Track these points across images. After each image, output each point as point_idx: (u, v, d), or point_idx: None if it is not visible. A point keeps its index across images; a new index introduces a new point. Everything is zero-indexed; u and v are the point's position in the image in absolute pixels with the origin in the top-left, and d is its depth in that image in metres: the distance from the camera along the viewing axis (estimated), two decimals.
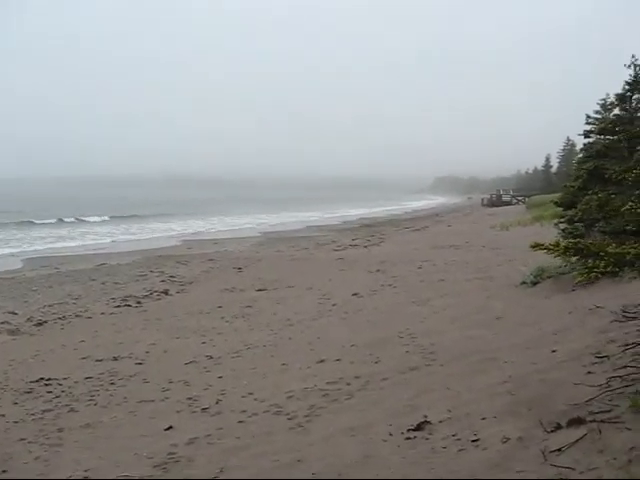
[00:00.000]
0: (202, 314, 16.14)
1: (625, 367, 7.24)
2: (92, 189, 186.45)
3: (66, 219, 65.87)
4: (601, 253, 6.09)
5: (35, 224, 58.99)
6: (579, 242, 6.35)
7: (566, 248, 6.22)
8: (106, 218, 69.23)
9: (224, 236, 44.87)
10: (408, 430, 6.93)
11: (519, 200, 78.27)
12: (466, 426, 6.73)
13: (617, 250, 6.08)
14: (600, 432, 5.71)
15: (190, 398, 9.40)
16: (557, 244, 6.39)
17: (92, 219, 67.93)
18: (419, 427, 6.94)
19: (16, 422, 8.72)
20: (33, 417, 8.92)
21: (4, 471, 7.04)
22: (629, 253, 6.01)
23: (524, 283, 15.26)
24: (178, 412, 8.87)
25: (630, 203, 6.35)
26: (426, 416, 7.19)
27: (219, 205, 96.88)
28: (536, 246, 6.46)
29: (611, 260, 5.99)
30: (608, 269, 5.97)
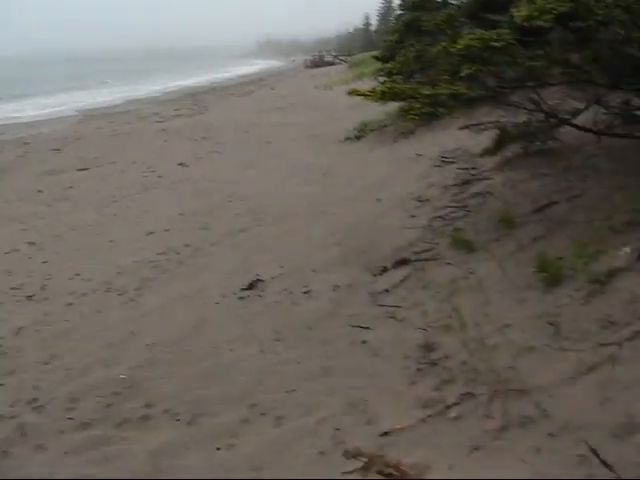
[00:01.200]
0: (21, 201, 15.02)
1: (445, 207, 7.54)
2: None
3: None
4: (416, 95, 6.10)
5: None
6: (394, 86, 6.31)
7: (383, 93, 6.16)
8: None
9: (38, 118, 41.86)
10: (241, 290, 6.92)
11: (341, 60, 78.32)
12: (298, 280, 6.80)
13: (431, 92, 6.11)
14: (424, 270, 5.94)
15: (13, 288, 8.79)
16: (373, 89, 6.32)
17: None
18: (251, 286, 6.94)
19: None
20: None
21: None
22: (443, 94, 6.06)
23: (348, 138, 15.43)
24: (1, 304, 8.32)
25: (442, 44, 6.35)
26: (258, 275, 7.19)
27: (26, 85, 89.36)
28: (353, 92, 6.37)
29: (426, 101, 6.02)
30: (424, 110, 6.00)
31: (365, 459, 3.90)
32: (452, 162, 9.79)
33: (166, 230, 10.36)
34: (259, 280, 7.04)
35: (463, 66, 5.91)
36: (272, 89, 44.77)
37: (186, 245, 9.22)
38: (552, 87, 8.17)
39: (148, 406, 5.09)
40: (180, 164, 16.75)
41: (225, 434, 4.52)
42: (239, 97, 40.80)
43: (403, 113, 6.20)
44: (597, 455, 3.37)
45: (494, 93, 6.74)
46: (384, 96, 6.17)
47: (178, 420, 4.84)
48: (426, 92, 5.96)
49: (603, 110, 7.42)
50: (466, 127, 11.46)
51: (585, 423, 3.62)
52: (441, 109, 6.08)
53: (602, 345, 4.17)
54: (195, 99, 43.41)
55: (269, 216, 9.84)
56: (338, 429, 4.26)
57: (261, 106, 29.79)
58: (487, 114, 10.49)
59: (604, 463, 3.31)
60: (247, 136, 20.22)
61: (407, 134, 13.31)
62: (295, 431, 4.39)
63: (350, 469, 3.84)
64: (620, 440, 3.44)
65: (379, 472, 3.79)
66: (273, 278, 7.03)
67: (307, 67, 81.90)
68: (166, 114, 33.12)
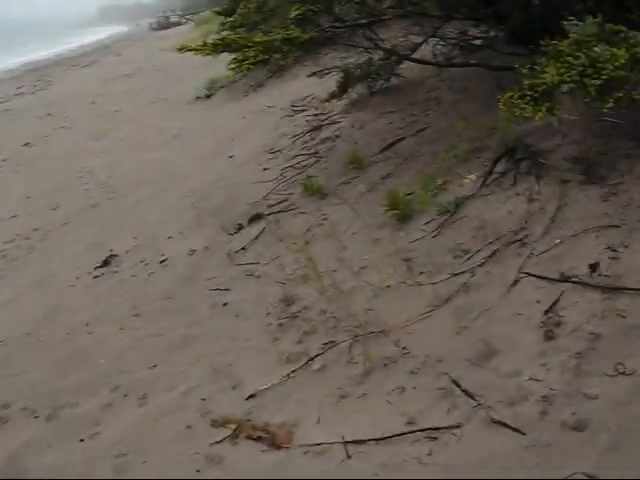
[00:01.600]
0: None
1: (296, 157, 7.42)
2: None
3: None
4: (249, 44, 5.87)
5: None
6: (226, 37, 6.06)
7: (214, 45, 5.89)
8: None
9: None
10: (95, 268, 6.57)
11: (188, 19, 76.26)
12: (153, 249, 6.53)
13: (264, 38, 5.91)
14: (278, 222, 5.82)
15: None
16: (205, 43, 6.02)
17: None
18: (106, 263, 6.61)
19: None
20: None
21: None
22: (275, 39, 5.87)
23: (199, 98, 14.97)
24: None
25: None
26: (112, 250, 6.84)
27: None
28: (183, 48, 6.06)
29: (260, 49, 5.81)
30: (258, 58, 5.79)
31: (234, 426, 3.79)
32: (302, 110, 9.66)
33: (13, 216, 9.68)
34: (113, 255, 6.70)
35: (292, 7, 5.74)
36: (118, 55, 42.92)
37: (35, 229, 8.64)
38: (395, 26, 8.16)
39: (3, 407, 4.74)
40: (26, 144, 15.74)
41: (88, 424, 4.27)
42: (84, 67, 38.77)
43: (237, 64, 5.94)
44: (458, 385, 3.39)
45: (330, 34, 6.61)
46: (216, 48, 5.90)
47: (37, 417, 4.54)
48: (258, 39, 5.75)
49: (442, 42, 7.47)
50: (314, 74, 11.36)
51: (444, 355, 3.63)
52: (276, 55, 5.87)
53: (455, 275, 4.20)
54: (37, 74, 40.97)
55: (121, 187, 9.37)
56: (204, 399, 4.11)
57: (107, 74, 28.49)
58: (334, 59, 10.40)
59: (466, 392, 3.32)
60: (94, 107, 19.29)
61: (257, 87, 13.06)
62: (160, 408, 4.20)
63: (219, 438, 3.72)
64: (479, 367, 3.46)
65: (248, 437, 3.69)
66: (127, 251, 6.70)
67: (153, 29, 78.95)
68: (7, 93, 31.16)
